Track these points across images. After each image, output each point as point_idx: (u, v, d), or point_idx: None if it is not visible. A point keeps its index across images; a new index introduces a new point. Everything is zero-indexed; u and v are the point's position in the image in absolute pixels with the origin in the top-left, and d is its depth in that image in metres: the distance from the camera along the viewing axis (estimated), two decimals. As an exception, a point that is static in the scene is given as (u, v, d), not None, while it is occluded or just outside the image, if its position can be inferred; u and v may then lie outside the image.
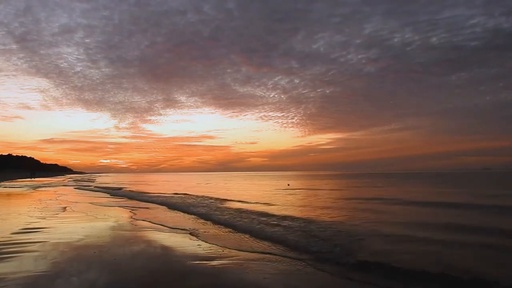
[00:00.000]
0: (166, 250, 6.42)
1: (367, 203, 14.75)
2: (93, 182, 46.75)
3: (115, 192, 24.39)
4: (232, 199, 16.86)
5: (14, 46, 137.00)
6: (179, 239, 7.45)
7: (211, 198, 17.26)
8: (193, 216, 11.38)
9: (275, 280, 4.69)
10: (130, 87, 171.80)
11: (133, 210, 13.26)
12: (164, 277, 4.82)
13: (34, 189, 27.04)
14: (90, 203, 15.99)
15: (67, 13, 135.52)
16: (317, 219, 9.66)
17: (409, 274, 4.65)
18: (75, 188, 31.07)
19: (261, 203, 14.52)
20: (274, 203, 14.46)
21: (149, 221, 10.10)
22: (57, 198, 18.67)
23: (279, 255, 5.97)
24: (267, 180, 50.25)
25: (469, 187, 27.51)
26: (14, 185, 34.57)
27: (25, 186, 32.58)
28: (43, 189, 28.37)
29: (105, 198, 19.36)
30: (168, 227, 9.11)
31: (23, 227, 8.56)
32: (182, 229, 8.67)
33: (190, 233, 8.08)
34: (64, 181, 49.59)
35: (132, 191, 25.12)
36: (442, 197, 17.19)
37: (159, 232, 8.29)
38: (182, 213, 12.18)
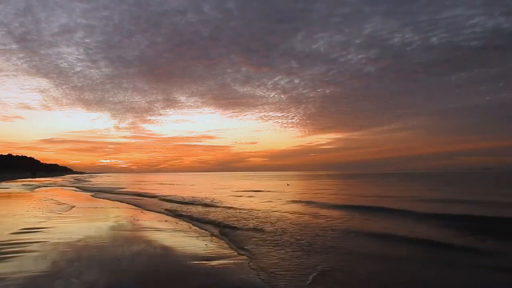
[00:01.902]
0: (166, 250, 6.47)
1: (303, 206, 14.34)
2: (89, 183, 46.77)
3: (100, 194, 24.38)
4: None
5: (14, 46, 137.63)
6: (178, 239, 7.50)
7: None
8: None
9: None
10: (130, 87, 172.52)
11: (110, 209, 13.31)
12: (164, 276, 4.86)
13: (33, 189, 27.07)
14: (80, 203, 16.01)
15: (67, 13, 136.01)
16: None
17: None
18: (69, 188, 31.10)
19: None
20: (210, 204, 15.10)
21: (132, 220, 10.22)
22: (54, 198, 18.69)
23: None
24: (246, 180, 49.86)
25: (442, 188, 26.71)
26: (14, 185, 34.57)
27: (25, 186, 32.60)
28: (42, 189, 28.41)
29: (99, 199, 19.43)
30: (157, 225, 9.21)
31: (23, 227, 8.58)
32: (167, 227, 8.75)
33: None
34: (62, 181, 49.64)
35: (120, 192, 25.48)
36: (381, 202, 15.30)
37: (153, 231, 8.34)
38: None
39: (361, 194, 20.94)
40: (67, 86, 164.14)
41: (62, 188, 30.54)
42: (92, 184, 39.50)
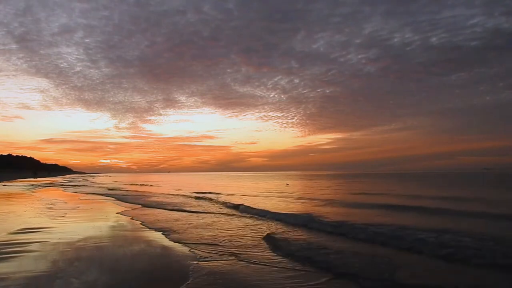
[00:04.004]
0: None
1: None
2: (88, 183, 46.86)
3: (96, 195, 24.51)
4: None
5: (14, 46, 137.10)
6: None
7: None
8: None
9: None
10: (130, 87, 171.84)
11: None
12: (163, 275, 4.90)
13: (33, 189, 27.12)
14: (79, 203, 16.06)
15: (67, 13, 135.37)
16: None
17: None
18: (69, 188, 31.18)
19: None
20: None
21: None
22: (54, 198, 18.75)
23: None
24: (233, 181, 49.41)
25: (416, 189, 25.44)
26: (14, 185, 34.61)
27: (25, 186, 32.65)
28: (42, 189, 28.47)
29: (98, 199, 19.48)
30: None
31: (22, 227, 8.62)
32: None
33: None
34: (62, 181, 49.72)
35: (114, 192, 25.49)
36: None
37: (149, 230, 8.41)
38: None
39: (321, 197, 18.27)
40: (67, 86, 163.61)
41: (61, 188, 30.56)
42: (91, 184, 39.60)
